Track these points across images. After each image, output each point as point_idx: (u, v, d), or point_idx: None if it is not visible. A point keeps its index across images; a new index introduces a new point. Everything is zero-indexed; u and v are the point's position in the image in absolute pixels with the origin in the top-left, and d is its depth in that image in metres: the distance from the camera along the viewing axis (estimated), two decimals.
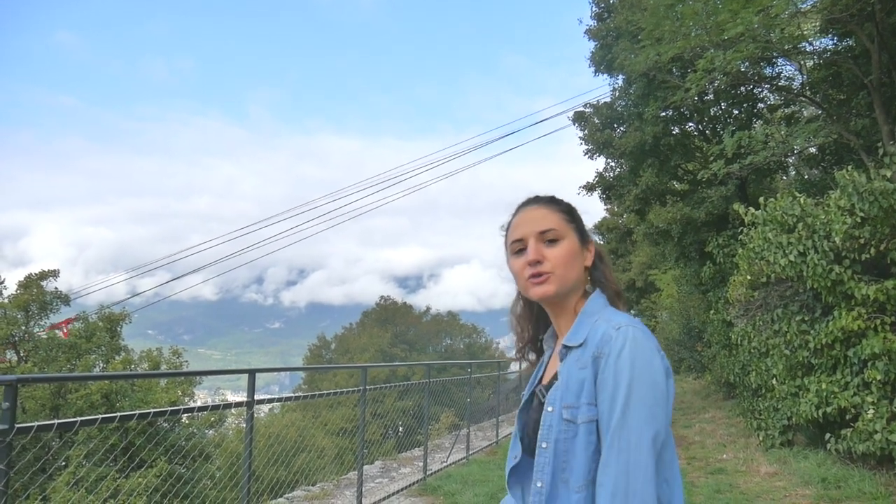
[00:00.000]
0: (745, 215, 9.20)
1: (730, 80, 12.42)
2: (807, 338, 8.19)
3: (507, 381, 22.50)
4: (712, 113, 16.62)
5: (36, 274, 21.12)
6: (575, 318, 1.62)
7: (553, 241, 1.62)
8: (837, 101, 13.22)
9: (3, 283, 20.89)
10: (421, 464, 8.97)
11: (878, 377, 7.20)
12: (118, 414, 3.92)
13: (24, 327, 19.88)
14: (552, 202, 1.70)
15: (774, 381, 9.40)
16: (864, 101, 11.88)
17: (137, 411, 4.56)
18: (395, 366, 39.49)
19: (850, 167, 7.79)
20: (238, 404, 5.37)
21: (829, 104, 13.03)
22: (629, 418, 1.38)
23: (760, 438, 10.06)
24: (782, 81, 14.60)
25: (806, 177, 14.96)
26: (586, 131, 17.84)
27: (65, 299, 21.23)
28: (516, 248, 1.66)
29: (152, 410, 4.57)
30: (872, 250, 7.28)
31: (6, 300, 20.40)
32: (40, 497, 12.62)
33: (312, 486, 8.51)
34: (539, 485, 1.49)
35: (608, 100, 17.72)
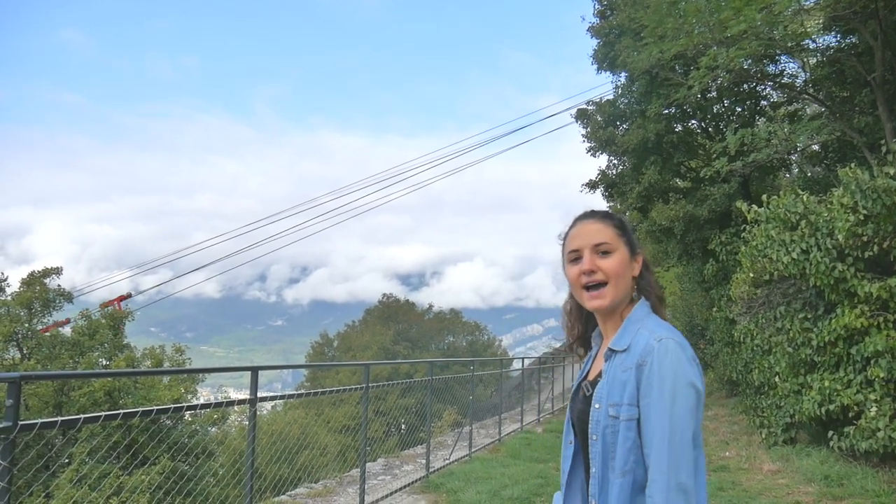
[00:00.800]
0: (748, 213, 9.19)
1: (733, 77, 12.42)
2: (810, 335, 8.18)
3: (510, 379, 22.56)
4: (715, 110, 16.59)
5: (39, 271, 21.14)
6: (621, 322, 1.83)
7: (606, 253, 1.82)
8: (840, 99, 13.19)
9: (6, 280, 20.92)
10: (423, 461, 8.99)
11: (881, 375, 7.20)
12: (122, 411, 3.93)
13: (27, 324, 19.90)
14: (606, 217, 1.89)
15: (777, 379, 9.40)
16: (868, 98, 11.86)
17: (141, 408, 4.56)
18: (398, 363, 39.46)
19: (853, 165, 7.77)
20: (241, 401, 5.38)
21: (832, 101, 13.00)
22: (673, 421, 1.60)
23: (763, 436, 10.06)
24: (785, 79, 14.57)
25: (809, 174, 14.91)
26: (589, 129, 17.81)
27: (68, 297, 21.25)
28: (573, 257, 1.87)
29: (156, 408, 4.58)
30: (875, 248, 7.27)
31: (9, 297, 20.42)
32: (44, 494, 12.65)
33: (315, 483, 8.52)
34: (594, 471, 1.73)
35: (611, 97, 17.71)
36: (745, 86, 15.14)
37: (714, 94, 15.65)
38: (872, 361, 7.39)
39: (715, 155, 11.97)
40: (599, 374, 1.79)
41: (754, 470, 8.68)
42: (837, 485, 7.38)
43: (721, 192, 14.79)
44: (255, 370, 5.39)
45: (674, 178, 17.43)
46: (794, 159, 15.87)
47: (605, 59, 16.67)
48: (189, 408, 5.07)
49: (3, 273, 20.94)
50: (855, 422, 7.52)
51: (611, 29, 16.28)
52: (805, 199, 8.30)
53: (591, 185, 19.10)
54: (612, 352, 1.77)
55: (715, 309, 15.07)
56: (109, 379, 16.94)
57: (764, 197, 9.05)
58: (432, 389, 9.47)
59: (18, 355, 19.31)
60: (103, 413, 3.76)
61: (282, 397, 14.16)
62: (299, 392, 10.27)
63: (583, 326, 2.02)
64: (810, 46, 12.72)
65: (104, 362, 19.49)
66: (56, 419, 3.69)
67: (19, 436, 3.26)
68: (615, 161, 18.33)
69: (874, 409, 7.23)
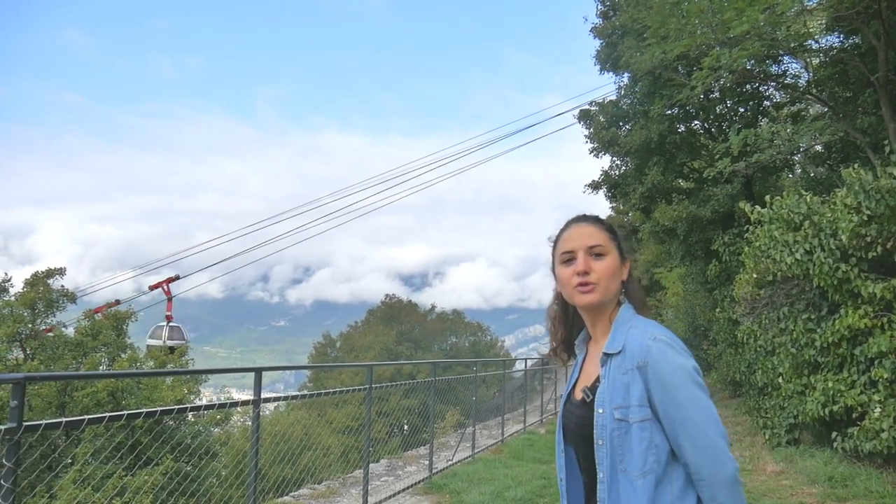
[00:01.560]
0: (751, 213, 9.18)
1: (735, 77, 12.40)
2: (813, 336, 8.16)
3: (513, 380, 22.54)
4: (718, 111, 16.58)
5: (42, 272, 21.16)
6: (610, 325, 1.87)
7: (600, 256, 1.86)
8: (843, 99, 13.17)
9: (10, 280, 20.95)
10: (426, 462, 8.99)
11: (885, 375, 7.18)
12: (125, 412, 3.93)
13: (30, 325, 19.92)
14: (599, 221, 1.94)
15: (781, 380, 9.38)
16: (871, 98, 11.84)
17: (144, 409, 4.57)
18: (401, 364, 39.48)
19: (856, 165, 7.77)
20: (245, 402, 5.38)
21: (835, 102, 12.98)
22: (690, 410, 1.67)
23: (766, 437, 10.04)
24: (788, 79, 14.54)
25: (812, 175, 14.89)
26: (591, 129, 17.79)
27: (71, 297, 21.26)
28: (565, 258, 1.89)
29: (159, 409, 4.58)
30: (879, 248, 7.26)
31: (13, 298, 20.44)
32: (48, 495, 12.66)
33: (318, 484, 8.52)
34: (601, 476, 1.74)
35: (614, 98, 17.70)
36: (748, 86, 15.13)
37: (717, 94, 15.64)
38: (876, 362, 7.38)
39: (718, 155, 11.95)
40: (598, 379, 1.81)
41: (758, 471, 8.66)
42: (841, 486, 7.36)
43: (724, 193, 14.76)
44: (258, 371, 5.40)
45: (677, 178, 17.39)
46: (798, 160, 15.84)
47: (608, 60, 16.66)
48: (193, 409, 5.08)
49: (6, 274, 21.00)
50: (859, 423, 7.50)
51: (613, 30, 16.27)
52: (808, 199, 8.29)
53: (594, 186, 19.08)
54: (607, 356, 1.79)
55: (718, 310, 15.04)
56: (112, 379, 16.95)
57: (767, 197, 9.03)
58: (435, 390, 9.47)
59: (22, 356, 19.33)
60: (107, 414, 3.76)
61: (285, 398, 14.17)
62: (303, 393, 10.26)
63: (567, 331, 2.05)
64: (813, 47, 12.70)
65: (107, 363, 19.50)
66: (60, 420, 3.69)
67: (23, 437, 3.26)
68: (618, 162, 18.31)
69: (878, 409, 7.21)
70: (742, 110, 16.08)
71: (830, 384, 7.82)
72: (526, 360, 22.30)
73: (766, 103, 16.14)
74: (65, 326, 20.47)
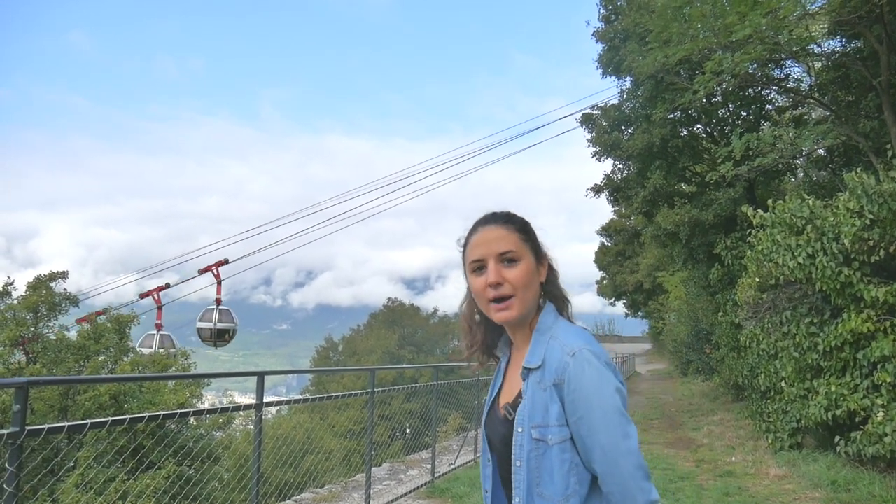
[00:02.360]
0: (754, 217, 9.18)
1: (738, 82, 12.39)
2: (816, 340, 8.16)
3: None
4: (720, 115, 16.57)
5: (45, 275, 21.19)
6: (530, 332, 1.74)
7: (512, 262, 1.70)
8: (846, 103, 13.17)
9: (13, 284, 20.98)
10: (429, 466, 8.98)
11: (888, 379, 7.17)
12: (128, 416, 3.94)
13: (33, 328, 19.94)
14: (509, 220, 1.77)
15: (783, 384, 9.37)
16: (873, 102, 11.84)
17: (147, 413, 4.57)
18: (403, 368, 39.51)
19: (858, 169, 7.77)
20: (247, 406, 5.39)
21: (837, 106, 12.98)
22: (601, 437, 1.54)
23: (769, 441, 10.03)
24: (790, 83, 14.54)
25: (814, 179, 14.89)
26: (594, 133, 17.82)
27: (74, 300, 21.29)
28: (475, 266, 1.74)
29: (162, 413, 4.59)
30: (882, 252, 7.26)
31: (16, 301, 20.47)
32: (50, 499, 12.67)
33: (320, 488, 8.52)
34: (517, 500, 1.63)
35: (616, 102, 17.71)
36: (751, 90, 15.12)
37: (719, 98, 15.63)
38: (879, 366, 7.37)
39: (720, 159, 11.95)
40: (520, 395, 1.68)
41: (761, 475, 8.66)
42: (844, 490, 7.35)
43: (726, 197, 14.76)
44: (261, 375, 5.41)
45: (679, 182, 17.40)
46: (800, 164, 15.84)
47: (611, 64, 16.66)
48: (196, 413, 5.08)
49: (9, 277, 21.03)
50: (862, 427, 7.49)
51: (616, 34, 16.28)
52: (811, 203, 8.29)
53: (597, 190, 19.12)
54: (527, 370, 1.67)
55: (720, 313, 15.04)
56: (115, 383, 16.95)
57: (769, 201, 9.04)
58: (437, 394, 9.47)
59: (24, 359, 19.35)
60: (110, 418, 3.77)
61: (288, 402, 14.18)
62: (305, 397, 10.27)
63: (484, 334, 1.88)
64: (815, 51, 12.70)
65: (110, 366, 19.52)
66: (63, 424, 3.69)
67: (26, 441, 3.26)
68: (620, 165, 18.34)
69: (881, 414, 7.20)
70: (744, 114, 16.07)
71: (833, 388, 7.81)
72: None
73: (769, 107, 16.14)
74: (67, 330, 20.47)
